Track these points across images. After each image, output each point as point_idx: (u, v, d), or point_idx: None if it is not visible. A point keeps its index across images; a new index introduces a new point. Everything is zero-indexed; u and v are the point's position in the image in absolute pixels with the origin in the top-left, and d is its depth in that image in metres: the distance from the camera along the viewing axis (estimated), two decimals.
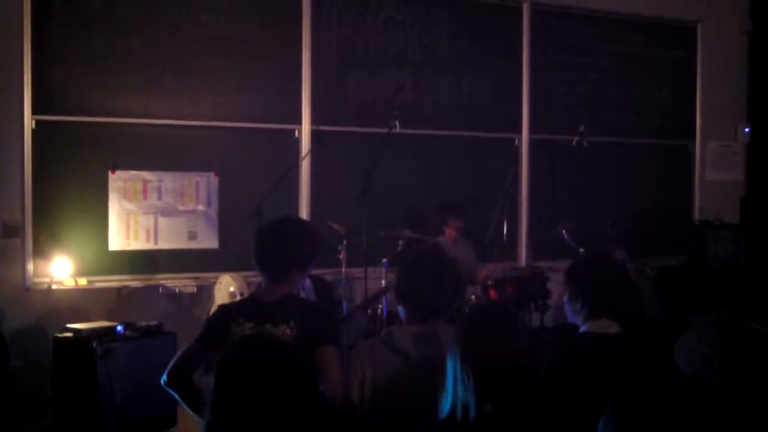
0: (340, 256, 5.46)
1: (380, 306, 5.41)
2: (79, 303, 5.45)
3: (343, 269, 5.51)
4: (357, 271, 5.63)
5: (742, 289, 6.17)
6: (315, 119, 6.09)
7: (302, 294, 2.97)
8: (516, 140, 6.98)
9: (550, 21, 7.08)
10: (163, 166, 5.72)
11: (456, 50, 6.68)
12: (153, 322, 4.79)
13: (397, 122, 5.56)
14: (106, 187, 5.55)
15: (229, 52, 5.86)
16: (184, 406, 2.73)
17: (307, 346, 2.54)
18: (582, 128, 6.31)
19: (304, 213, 6.09)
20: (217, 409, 1.81)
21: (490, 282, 5.72)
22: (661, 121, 7.61)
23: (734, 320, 2.98)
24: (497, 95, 6.87)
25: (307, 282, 3.41)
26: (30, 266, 5.37)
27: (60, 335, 4.67)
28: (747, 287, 6.36)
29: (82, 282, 5.45)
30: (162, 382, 2.71)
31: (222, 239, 5.85)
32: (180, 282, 5.72)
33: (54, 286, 5.39)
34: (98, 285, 5.52)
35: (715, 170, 7.85)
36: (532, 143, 7.02)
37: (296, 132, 6.12)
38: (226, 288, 5.07)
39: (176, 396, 2.72)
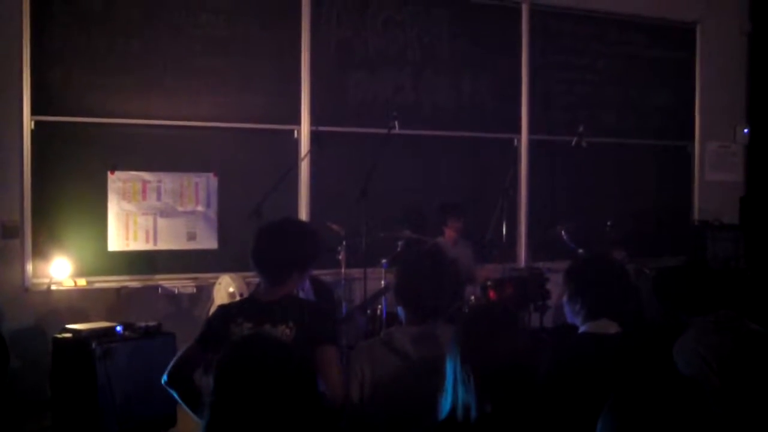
0: (340, 257, 5.46)
1: (379, 307, 5.41)
2: (78, 303, 5.45)
3: (343, 270, 5.51)
4: (356, 272, 5.62)
5: (742, 290, 6.17)
6: (314, 120, 6.09)
7: (301, 295, 2.96)
8: (515, 141, 6.99)
9: (549, 21, 7.08)
10: (163, 166, 5.72)
11: (455, 51, 6.69)
12: (152, 323, 4.79)
13: (396, 123, 5.57)
14: (105, 187, 5.55)
15: (228, 53, 5.86)
16: (183, 406, 2.73)
17: (307, 347, 2.54)
18: (581, 129, 6.32)
19: (303, 214, 6.09)
20: (217, 409, 1.81)
21: (489, 283, 5.72)
22: (661, 122, 7.61)
23: (733, 321, 2.98)
24: (497, 96, 6.87)
25: (306, 283, 3.40)
26: (29, 267, 5.37)
27: (59, 336, 4.66)
28: (746, 288, 6.37)
29: (82, 282, 5.45)
30: (162, 381, 2.71)
31: (221, 240, 5.85)
32: (179, 282, 5.71)
33: (53, 287, 5.39)
34: (97, 285, 5.52)
35: (714, 171, 7.85)
36: (532, 144, 7.02)
37: (296, 132, 6.12)
38: (226, 288, 5.07)
39: (176, 396, 2.72)
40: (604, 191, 7.21)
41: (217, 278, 5.25)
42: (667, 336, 2.97)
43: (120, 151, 5.61)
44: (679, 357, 2.88)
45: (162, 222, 5.71)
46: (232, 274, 5.15)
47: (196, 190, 5.81)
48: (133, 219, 5.63)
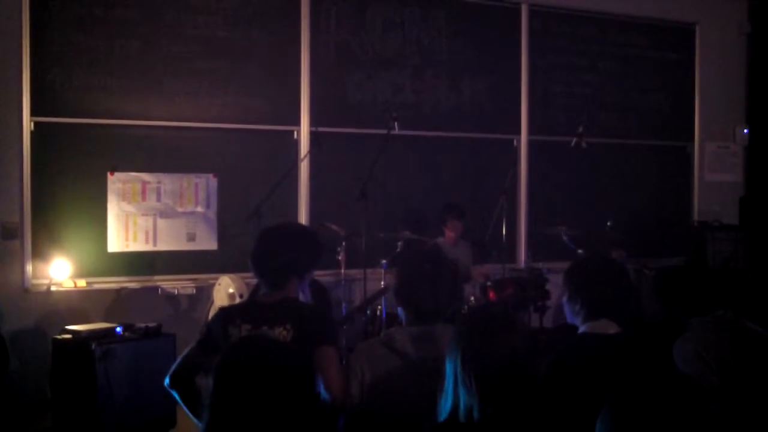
0: (340, 258, 5.47)
1: (379, 307, 5.41)
2: (78, 304, 5.45)
3: (343, 270, 5.51)
4: (356, 272, 5.63)
5: (741, 290, 6.17)
6: (314, 121, 6.10)
7: (301, 297, 2.96)
8: (515, 141, 6.99)
9: (548, 22, 7.09)
10: (162, 167, 5.72)
11: (455, 51, 6.69)
12: (152, 324, 4.78)
13: (396, 124, 5.58)
14: (105, 188, 5.55)
15: (228, 54, 5.87)
16: (184, 408, 2.74)
17: (305, 348, 2.54)
18: (581, 129, 6.31)
19: (303, 214, 6.10)
20: (216, 410, 1.81)
21: (489, 283, 5.73)
22: (660, 123, 7.61)
23: (733, 321, 2.99)
24: (496, 96, 6.88)
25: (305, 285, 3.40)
26: (29, 268, 5.37)
27: (59, 337, 4.66)
28: (745, 288, 6.37)
29: (81, 283, 5.45)
30: (165, 384, 2.72)
31: (221, 241, 5.85)
32: (179, 283, 5.72)
33: (53, 288, 5.39)
34: (97, 286, 5.52)
35: (713, 171, 7.86)
36: (532, 144, 7.03)
37: (295, 133, 6.12)
38: (225, 289, 5.07)
39: (178, 398, 2.72)
40: (604, 191, 7.21)
41: (216, 279, 5.25)
42: (666, 336, 2.97)
43: (120, 152, 5.61)
44: (678, 357, 2.89)
45: (162, 223, 5.71)
46: (232, 275, 5.15)
47: (196, 191, 5.81)
48: (132, 220, 5.63)
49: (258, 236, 2.89)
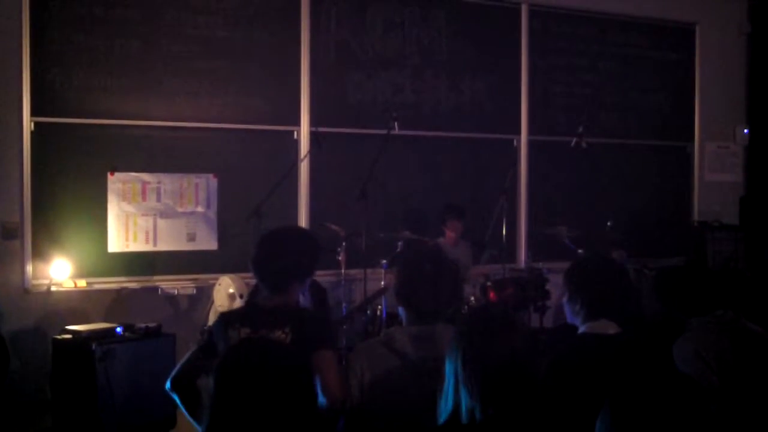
0: (340, 258, 5.47)
1: (379, 307, 5.41)
2: (78, 305, 5.45)
3: (343, 270, 5.51)
4: (356, 272, 5.63)
5: (741, 290, 6.18)
6: (314, 121, 6.10)
7: (301, 299, 2.96)
8: (515, 141, 6.99)
9: (548, 22, 7.09)
10: (162, 167, 5.72)
11: (455, 52, 6.69)
12: (152, 324, 4.78)
13: (396, 124, 5.58)
14: (105, 188, 5.55)
15: (228, 54, 5.87)
16: (184, 412, 2.74)
17: (304, 351, 2.54)
18: (581, 129, 6.32)
19: (303, 214, 6.10)
20: (217, 411, 1.81)
21: (489, 283, 5.73)
22: (660, 123, 7.61)
23: (732, 321, 2.99)
24: (496, 96, 6.88)
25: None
26: (29, 268, 5.37)
27: (59, 337, 4.66)
28: (745, 288, 6.37)
29: (82, 284, 5.45)
30: (166, 387, 2.73)
31: (221, 241, 5.85)
32: (179, 283, 5.72)
33: (53, 288, 5.39)
34: (97, 287, 5.52)
35: (714, 171, 7.86)
36: (532, 144, 7.03)
37: (295, 133, 6.12)
38: (226, 289, 5.07)
39: (178, 402, 2.73)
40: (604, 191, 7.21)
41: (216, 279, 5.25)
42: (666, 336, 2.97)
43: (120, 152, 5.61)
44: (678, 357, 2.89)
45: (162, 223, 5.71)
46: (232, 275, 5.16)
47: (196, 191, 5.81)
48: (132, 220, 5.63)
49: (258, 241, 2.89)
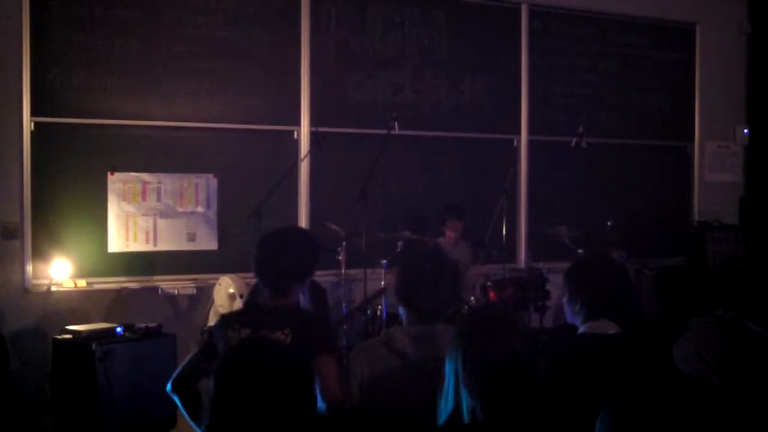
0: (340, 258, 5.47)
1: (380, 307, 5.41)
2: (78, 305, 5.45)
3: (343, 270, 5.51)
4: (356, 272, 5.63)
5: (741, 290, 6.18)
6: (314, 120, 6.10)
7: (301, 298, 2.96)
8: (515, 141, 6.99)
9: (548, 22, 7.09)
10: (163, 167, 5.72)
11: (455, 52, 6.69)
12: (152, 324, 4.78)
13: (396, 123, 5.58)
14: (105, 188, 5.55)
15: (228, 54, 5.87)
16: (184, 414, 2.74)
17: (304, 353, 2.54)
18: (581, 129, 6.32)
19: (303, 214, 6.10)
20: (217, 411, 1.81)
21: (489, 283, 5.73)
22: (660, 123, 7.61)
23: (732, 321, 2.99)
24: (496, 96, 6.88)
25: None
26: (29, 268, 5.37)
27: (59, 337, 4.66)
28: (745, 288, 6.37)
29: (82, 284, 5.45)
30: (167, 389, 2.73)
31: (221, 241, 5.85)
32: (179, 283, 5.72)
33: (53, 288, 5.39)
34: (97, 287, 5.52)
35: (714, 171, 7.86)
36: (532, 144, 7.03)
37: (295, 133, 6.13)
38: (226, 289, 5.07)
39: (179, 404, 2.73)
40: (604, 191, 7.22)
41: (217, 279, 5.26)
42: (666, 336, 2.97)
43: (120, 152, 5.61)
44: (678, 357, 2.89)
45: (162, 223, 5.71)
46: (232, 275, 5.16)
47: (196, 191, 5.81)
48: (133, 220, 5.63)
49: (259, 242, 2.89)
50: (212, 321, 4.67)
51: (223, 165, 5.89)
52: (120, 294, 5.58)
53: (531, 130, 7.02)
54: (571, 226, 6.16)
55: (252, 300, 3.48)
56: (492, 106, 6.86)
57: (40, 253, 5.39)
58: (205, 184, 5.84)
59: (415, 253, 3.20)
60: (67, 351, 4.59)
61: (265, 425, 1.77)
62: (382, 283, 5.40)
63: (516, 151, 6.99)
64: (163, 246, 5.71)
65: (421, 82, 6.57)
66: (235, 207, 5.71)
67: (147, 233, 5.67)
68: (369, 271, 5.41)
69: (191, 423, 2.70)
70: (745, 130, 7.95)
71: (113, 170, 5.58)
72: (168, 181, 5.74)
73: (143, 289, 5.63)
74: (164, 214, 5.72)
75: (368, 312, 5.48)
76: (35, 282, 5.38)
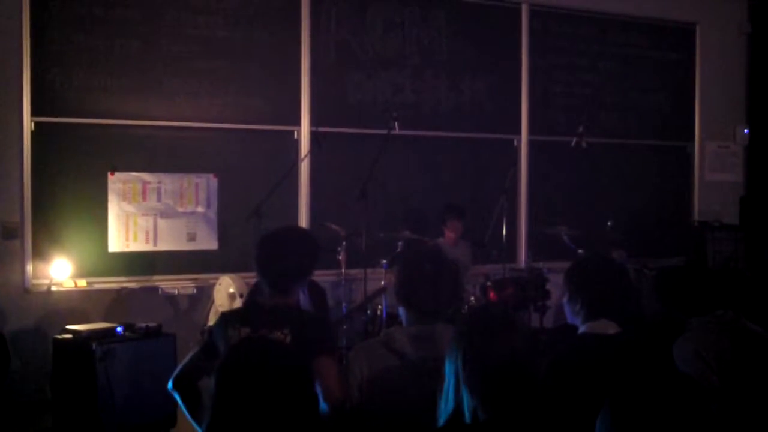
0: (340, 257, 5.47)
1: (380, 307, 5.41)
2: (78, 304, 5.45)
3: (343, 270, 5.52)
4: (356, 272, 5.63)
5: (741, 290, 6.18)
6: (314, 120, 6.10)
7: (301, 297, 2.97)
8: (515, 141, 6.99)
9: (548, 22, 7.09)
10: (163, 167, 5.72)
11: (455, 51, 6.69)
12: (152, 324, 4.78)
13: (396, 123, 5.58)
14: (105, 188, 5.55)
15: (228, 54, 5.87)
16: (185, 412, 2.75)
17: (304, 354, 2.54)
18: (581, 129, 6.32)
19: (303, 214, 6.10)
20: (218, 410, 1.82)
21: (489, 283, 5.73)
22: (660, 123, 7.62)
23: (732, 321, 2.99)
24: (496, 96, 6.88)
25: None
26: (29, 268, 5.37)
27: (59, 337, 4.66)
28: (746, 288, 6.37)
29: (82, 283, 5.45)
30: (168, 387, 2.73)
31: (221, 241, 5.85)
32: (179, 283, 5.72)
33: (53, 288, 5.40)
34: (98, 286, 5.52)
35: (714, 171, 7.86)
36: (532, 144, 7.03)
37: (295, 133, 6.13)
38: (226, 289, 5.07)
39: (180, 402, 2.73)
40: (604, 191, 7.22)
41: (217, 279, 5.26)
42: (666, 336, 2.97)
43: (120, 152, 5.61)
44: (678, 357, 2.89)
45: (162, 223, 5.71)
46: (232, 275, 5.16)
47: (196, 191, 5.82)
48: (133, 220, 5.63)
49: (260, 241, 2.89)
50: (212, 321, 4.66)
51: (224, 165, 5.89)
52: (120, 294, 5.58)
53: (531, 130, 7.02)
54: (571, 226, 6.16)
55: (252, 299, 3.48)
56: (492, 106, 6.86)
57: (40, 253, 5.39)
58: (206, 184, 5.84)
59: (415, 254, 3.20)
60: (68, 351, 4.59)
61: (265, 425, 1.77)
62: (382, 282, 5.40)
63: (516, 151, 6.99)
64: (164, 246, 5.72)
65: (421, 82, 6.57)
66: (235, 207, 5.71)
67: (147, 233, 5.68)
68: (369, 271, 5.41)
69: (192, 421, 2.71)
70: (745, 130, 7.95)
71: (113, 170, 5.59)
72: (168, 181, 5.74)
73: (143, 289, 5.63)
74: (164, 214, 5.72)
75: (368, 312, 5.48)
76: (35, 282, 5.38)
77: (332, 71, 6.26)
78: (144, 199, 5.67)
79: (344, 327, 5.28)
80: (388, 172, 6.04)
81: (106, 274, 5.55)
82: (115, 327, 4.69)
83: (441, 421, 2.01)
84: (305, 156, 6.04)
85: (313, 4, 6.15)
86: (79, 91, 5.47)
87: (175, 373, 2.75)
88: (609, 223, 6.56)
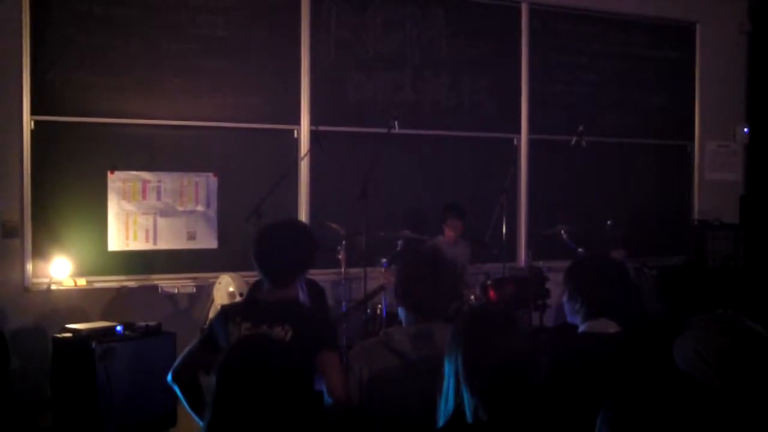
0: (340, 256, 5.47)
1: (379, 306, 5.41)
2: (78, 303, 5.45)
3: (343, 269, 5.52)
4: (356, 271, 5.63)
5: (741, 289, 6.18)
6: (314, 119, 6.10)
7: (300, 295, 2.96)
8: (515, 140, 6.99)
9: (548, 21, 7.09)
10: (162, 166, 5.72)
11: (455, 50, 6.69)
12: (152, 323, 4.79)
13: (396, 122, 5.58)
14: (105, 187, 5.55)
15: (228, 53, 5.87)
16: (185, 405, 2.75)
17: (306, 351, 2.53)
18: (581, 128, 6.32)
19: (303, 213, 6.10)
20: (218, 408, 1.82)
21: (489, 282, 5.73)
22: (661, 121, 7.61)
23: (733, 320, 2.99)
24: (496, 95, 6.87)
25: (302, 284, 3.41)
26: (29, 266, 5.37)
27: (59, 335, 4.67)
28: (746, 287, 6.37)
29: (82, 282, 5.45)
30: (168, 379, 2.74)
31: (221, 239, 5.85)
32: (179, 282, 5.72)
33: (53, 287, 5.39)
34: (97, 285, 5.52)
35: (714, 170, 7.86)
36: (532, 143, 7.03)
37: (295, 132, 6.12)
38: (226, 288, 5.07)
39: (179, 394, 2.74)
40: (604, 191, 7.21)
41: (217, 278, 5.26)
42: (666, 335, 2.97)
43: (120, 150, 5.61)
44: (678, 356, 2.89)
45: (162, 222, 5.71)
46: (232, 274, 5.16)
47: (196, 189, 5.81)
48: (133, 219, 5.63)
49: (259, 234, 2.88)
50: None
51: (223, 164, 5.89)
52: (120, 292, 5.58)
53: (531, 129, 7.02)
54: (571, 225, 6.16)
55: (255, 296, 3.48)
56: (492, 104, 6.86)
57: (40, 252, 5.39)
58: (205, 182, 5.84)
59: (414, 253, 3.20)
60: (67, 349, 4.60)
61: (266, 423, 1.77)
62: (383, 281, 5.40)
63: (516, 150, 6.99)
64: (163, 245, 5.72)
65: (421, 81, 6.57)
66: (235, 206, 5.71)
67: (147, 232, 5.67)
68: (369, 269, 5.41)
69: (192, 413, 2.71)
70: (746, 129, 7.95)
71: (113, 169, 5.58)
72: (168, 180, 5.73)
73: (143, 288, 5.63)
74: (164, 212, 5.72)
75: (368, 311, 5.48)
76: (35, 280, 5.38)
77: (332, 70, 6.25)
78: (144, 197, 5.67)
79: (344, 326, 5.28)
80: (388, 171, 6.04)
81: (106, 272, 5.55)
82: (115, 326, 4.69)
83: (441, 422, 2.00)
84: (305, 155, 6.04)
85: (313, 3, 6.15)
86: (79, 89, 5.47)
87: (175, 365, 2.75)
88: (609, 222, 6.56)
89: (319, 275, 4.78)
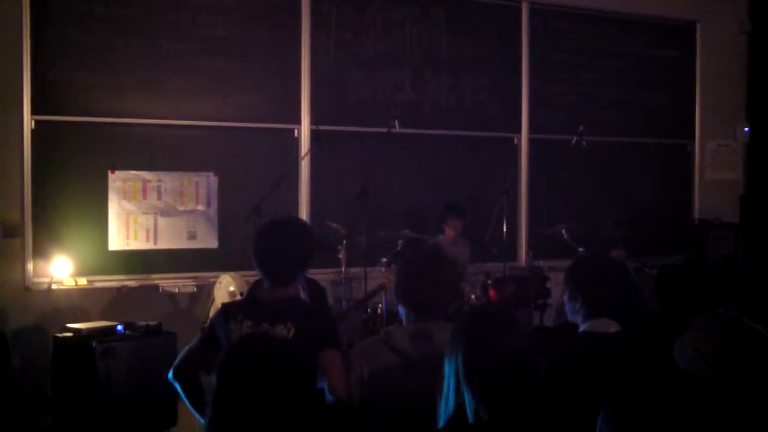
0: (340, 256, 5.47)
1: (379, 305, 5.41)
2: (78, 303, 5.45)
3: (343, 269, 5.52)
4: (357, 271, 5.64)
5: (742, 288, 6.17)
6: (314, 119, 6.10)
7: (301, 294, 2.96)
8: (515, 140, 6.99)
9: (549, 20, 7.09)
10: (163, 166, 5.72)
11: (455, 50, 6.69)
12: (153, 322, 4.79)
13: (396, 122, 5.58)
14: (105, 187, 5.55)
15: (228, 52, 5.87)
16: (186, 403, 2.75)
17: (308, 349, 2.53)
18: (581, 128, 6.32)
19: (303, 212, 6.10)
20: (220, 407, 1.82)
21: (489, 281, 5.74)
22: (661, 121, 7.61)
23: (733, 319, 2.99)
24: (496, 95, 6.87)
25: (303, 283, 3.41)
26: (30, 266, 5.37)
27: (60, 335, 4.67)
28: (746, 286, 6.37)
29: (82, 282, 5.45)
30: (169, 377, 2.74)
31: (221, 239, 5.85)
32: (180, 282, 5.72)
33: (54, 286, 5.39)
34: (98, 285, 5.52)
35: (714, 169, 7.86)
36: (532, 143, 7.03)
37: (296, 132, 6.12)
38: (226, 287, 5.08)
39: (180, 391, 2.74)
40: (604, 190, 7.21)
41: (217, 277, 5.26)
42: (667, 334, 2.97)
43: (120, 150, 5.61)
44: (678, 355, 2.88)
45: (162, 221, 5.71)
46: (233, 273, 5.16)
47: (197, 189, 5.82)
48: (133, 218, 5.63)
49: (258, 232, 2.88)
50: None
51: (224, 163, 5.89)
52: (120, 292, 5.58)
53: (531, 129, 7.02)
54: (572, 224, 6.16)
55: (255, 295, 3.48)
56: (492, 104, 6.86)
57: (40, 252, 5.39)
58: (206, 182, 5.84)
59: (415, 252, 3.20)
60: (68, 349, 4.60)
61: (267, 422, 1.78)
62: (383, 280, 5.40)
63: (516, 149, 6.99)
64: (164, 244, 5.72)
65: (421, 80, 6.57)
66: (235, 205, 5.71)
67: (147, 231, 5.68)
68: (369, 269, 5.41)
69: (192, 410, 2.71)
70: (746, 128, 7.95)
71: (114, 168, 5.58)
72: (168, 180, 5.74)
73: (143, 287, 5.63)
74: (165, 212, 5.72)
75: (368, 310, 5.48)
76: (36, 280, 5.38)
77: (332, 70, 6.25)
78: (144, 197, 5.67)
79: (344, 325, 5.28)
80: (388, 170, 6.04)
81: (107, 272, 5.55)
82: (116, 325, 4.70)
83: (441, 422, 2.00)
84: (305, 154, 6.04)
85: (313, 3, 6.14)
86: (79, 89, 5.47)
87: (175, 363, 2.76)
88: (609, 222, 6.56)
89: (320, 275, 4.77)
